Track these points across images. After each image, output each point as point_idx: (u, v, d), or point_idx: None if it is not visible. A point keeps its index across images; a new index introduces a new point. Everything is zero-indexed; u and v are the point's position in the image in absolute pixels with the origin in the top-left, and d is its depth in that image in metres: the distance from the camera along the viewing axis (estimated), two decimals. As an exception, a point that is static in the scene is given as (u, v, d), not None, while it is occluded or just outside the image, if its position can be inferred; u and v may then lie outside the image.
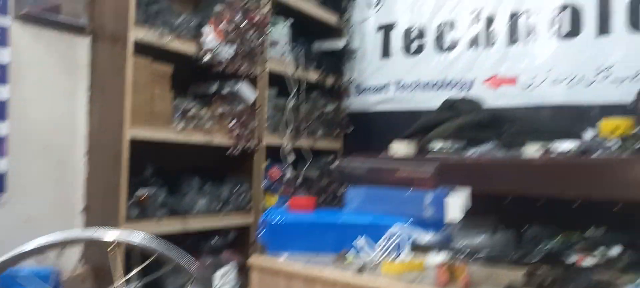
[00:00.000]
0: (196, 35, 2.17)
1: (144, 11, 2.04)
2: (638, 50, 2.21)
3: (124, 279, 0.87)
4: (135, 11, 1.95)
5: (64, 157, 2.02)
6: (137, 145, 1.91)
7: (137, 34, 1.95)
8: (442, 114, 1.67)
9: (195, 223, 2.06)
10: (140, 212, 1.89)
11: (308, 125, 2.67)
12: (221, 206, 2.17)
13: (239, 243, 2.26)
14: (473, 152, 1.37)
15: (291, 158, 2.51)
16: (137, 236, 0.85)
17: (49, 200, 1.97)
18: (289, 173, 2.46)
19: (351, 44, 3.03)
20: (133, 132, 1.90)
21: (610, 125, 1.28)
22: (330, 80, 2.90)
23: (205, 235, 2.17)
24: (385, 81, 2.93)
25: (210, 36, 2.18)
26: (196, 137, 2.11)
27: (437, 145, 1.37)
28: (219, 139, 2.19)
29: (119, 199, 1.84)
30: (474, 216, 1.13)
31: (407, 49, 2.87)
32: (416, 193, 1.08)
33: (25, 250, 0.84)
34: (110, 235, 0.86)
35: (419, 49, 2.83)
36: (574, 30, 2.37)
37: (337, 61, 2.96)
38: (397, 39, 2.91)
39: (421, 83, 2.80)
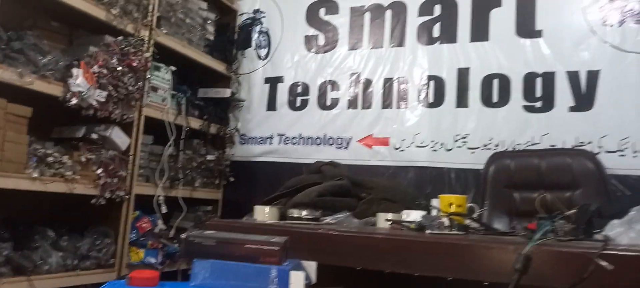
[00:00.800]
0: (64, 76, 2.04)
1: (4, 48, 1.88)
2: (489, 123, 2.50)
3: None
4: (-9, 46, 1.80)
5: None
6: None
7: (-9, 71, 1.79)
8: (309, 177, 1.74)
9: (45, 282, 1.88)
10: (-24, 270, 1.68)
11: (186, 174, 2.61)
12: (78, 262, 2.01)
13: (97, 302, 2.10)
14: (328, 221, 1.44)
15: (164, 209, 2.42)
16: None
17: None
18: (160, 225, 2.36)
19: (238, 93, 3.06)
20: (-24, 179, 1.72)
21: (446, 201, 1.42)
22: (214, 129, 2.87)
23: (57, 294, 1.98)
24: (270, 133, 2.98)
25: (79, 79, 2.06)
26: (54, 186, 1.95)
27: (295, 212, 1.41)
28: (81, 188, 2.05)
29: (-51, 256, 1.62)
30: (319, 289, 1.17)
31: (292, 103, 2.96)
32: (263, 267, 1.09)
33: None
34: None
35: (303, 105, 2.93)
36: (438, 100, 2.63)
37: (223, 109, 2.96)
38: (283, 93, 2.99)
39: (304, 137, 2.89)
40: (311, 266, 1.19)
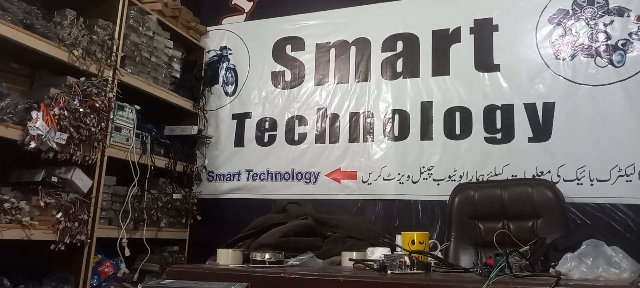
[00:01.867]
0: (23, 119, 2.00)
1: (-40, 91, 1.84)
2: (453, 154, 2.55)
3: None
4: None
5: None
6: None
7: (-55, 117, 1.74)
8: (274, 216, 1.73)
9: (-2, 336, 1.80)
10: None
11: (151, 215, 2.56)
12: (35, 312, 1.93)
13: None
14: (292, 263, 1.43)
15: (127, 252, 2.35)
16: None
17: None
18: (123, 269, 2.30)
19: (205, 130, 3.04)
20: None
21: (408, 238, 1.44)
22: (180, 167, 2.84)
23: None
24: (237, 169, 2.96)
25: (39, 121, 2.02)
26: (10, 233, 1.89)
27: (258, 255, 1.40)
28: (40, 234, 1.99)
29: None
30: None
31: (259, 139, 2.97)
32: (223, 315, 1.08)
33: None
34: None
35: (271, 140, 2.94)
36: (403, 133, 2.67)
37: (190, 147, 2.94)
38: (250, 128, 3.00)
39: (272, 173, 2.89)
40: (273, 311, 1.18)
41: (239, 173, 2.95)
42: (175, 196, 2.73)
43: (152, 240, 2.56)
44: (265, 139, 2.96)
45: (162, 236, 2.65)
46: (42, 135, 1.99)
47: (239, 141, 3.01)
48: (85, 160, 2.19)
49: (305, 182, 2.80)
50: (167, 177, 2.75)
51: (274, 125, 2.95)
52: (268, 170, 2.90)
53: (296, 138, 2.89)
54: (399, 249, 1.47)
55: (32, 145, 1.96)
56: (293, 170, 2.85)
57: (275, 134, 2.93)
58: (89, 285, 2.14)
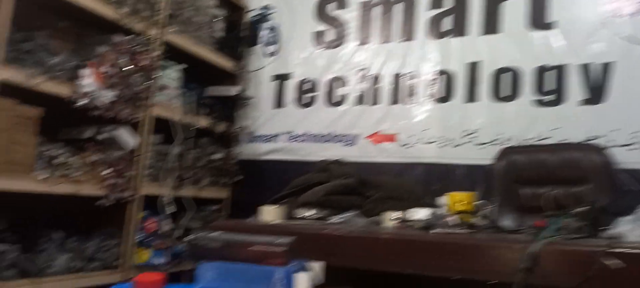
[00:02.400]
0: (73, 77, 2.06)
1: (15, 48, 1.90)
2: (498, 118, 2.47)
3: None
4: (4, 48, 1.81)
5: None
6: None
7: (3, 74, 1.80)
8: (316, 175, 1.73)
9: (50, 284, 1.88)
10: (-17, 273, 1.70)
11: (194, 173, 2.61)
12: (85, 264, 2.02)
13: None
14: (335, 221, 1.43)
15: (171, 209, 2.42)
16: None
17: None
18: (166, 226, 2.37)
19: (246, 91, 3.05)
20: (-17, 182, 1.73)
21: (455, 198, 1.40)
22: (221, 127, 2.87)
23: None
24: (277, 131, 2.97)
25: (88, 79, 2.08)
26: (61, 188, 1.96)
27: (301, 212, 1.41)
28: (89, 189, 2.07)
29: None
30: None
31: (299, 100, 2.95)
32: (268, 269, 1.09)
33: None
34: None
35: (311, 102, 2.92)
36: (447, 95, 2.60)
37: (230, 107, 2.96)
38: (290, 90, 2.98)
39: (311, 135, 2.88)
40: (320, 265, 1.18)
41: (278, 135, 2.96)
42: (216, 156, 2.77)
43: (194, 198, 2.62)
44: (305, 101, 2.94)
45: (203, 195, 2.71)
46: (92, 92, 2.04)
47: (279, 102, 3.00)
48: (131, 119, 2.24)
49: (344, 144, 2.78)
50: (209, 137, 2.79)
51: (314, 86, 2.93)
52: (307, 132, 2.89)
53: (336, 100, 2.86)
54: (442, 210, 1.45)
55: (82, 102, 2.02)
56: (332, 133, 2.83)
57: (315, 96, 2.91)
58: (135, 240, 2.23)
